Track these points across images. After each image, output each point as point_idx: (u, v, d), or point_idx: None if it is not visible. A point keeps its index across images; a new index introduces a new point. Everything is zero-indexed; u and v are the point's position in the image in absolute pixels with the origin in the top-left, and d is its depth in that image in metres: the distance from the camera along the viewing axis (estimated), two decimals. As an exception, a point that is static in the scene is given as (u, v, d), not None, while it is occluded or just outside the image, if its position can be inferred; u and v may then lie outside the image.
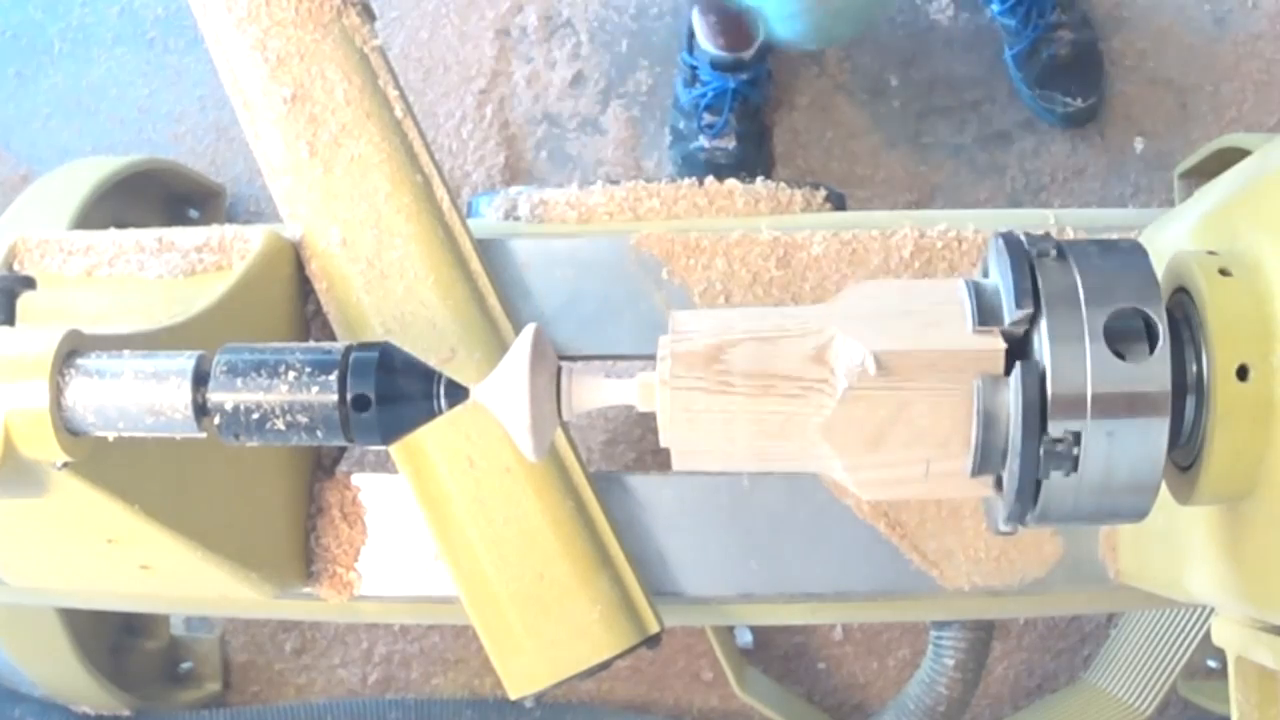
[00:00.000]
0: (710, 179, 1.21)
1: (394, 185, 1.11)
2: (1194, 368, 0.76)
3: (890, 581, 1.14)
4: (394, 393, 0.74)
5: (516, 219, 1.22)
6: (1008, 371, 0.72)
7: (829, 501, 1.14)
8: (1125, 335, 0.72)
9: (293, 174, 1.11)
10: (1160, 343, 0.72)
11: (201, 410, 0.74)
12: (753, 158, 1.69)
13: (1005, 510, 0.75)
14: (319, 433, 0.74)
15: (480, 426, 1.08)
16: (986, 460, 0.74)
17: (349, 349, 0.74)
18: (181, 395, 0.73)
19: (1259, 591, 0.78)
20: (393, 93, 1.13)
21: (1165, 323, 0.73)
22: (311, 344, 0.76)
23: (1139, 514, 0.76)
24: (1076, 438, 0.71)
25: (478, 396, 0.75)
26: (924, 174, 1.74)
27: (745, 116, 1.69)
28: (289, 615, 1.45)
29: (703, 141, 1.68)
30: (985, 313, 0.74)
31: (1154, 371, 0.72)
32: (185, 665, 1.63)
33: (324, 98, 1.10)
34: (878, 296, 0.77)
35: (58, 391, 0.75)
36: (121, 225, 1.19)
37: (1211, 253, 0.79)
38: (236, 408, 0.73)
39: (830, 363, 0.73)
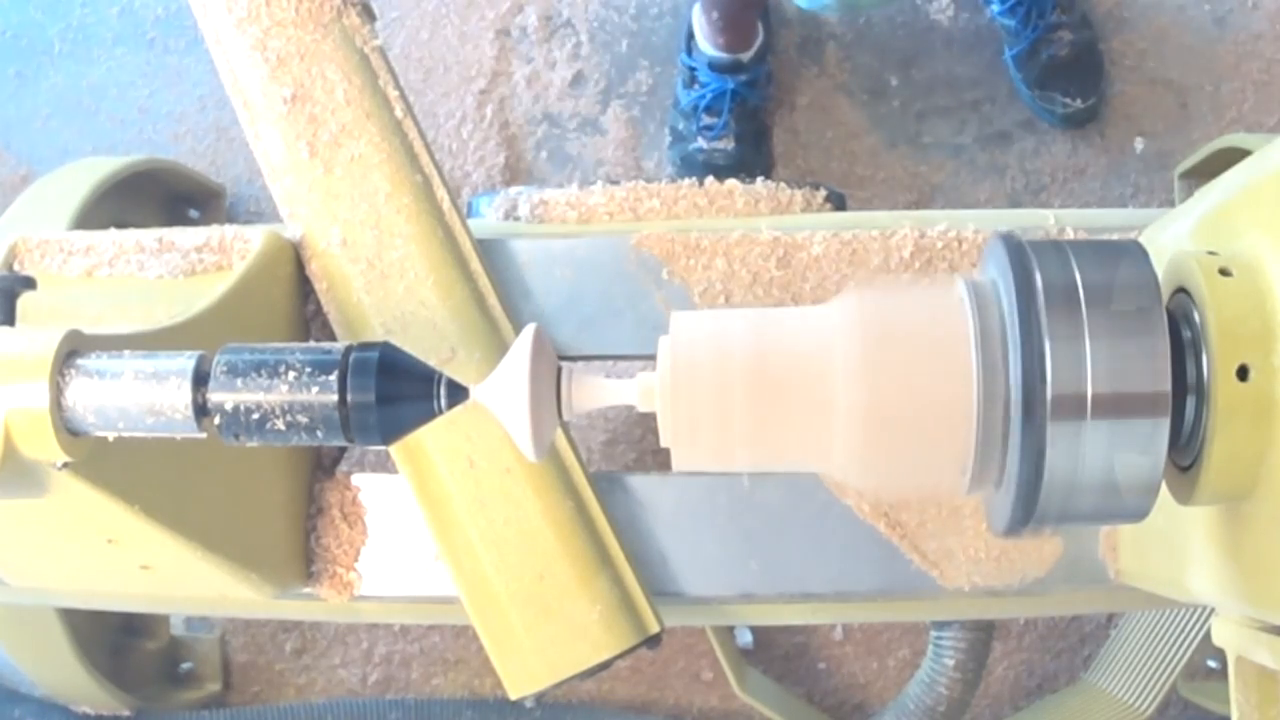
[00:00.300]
0: (710, 179, 1.21)
1: (394, 185, 1.11)
2: (1194, 368, 0.76)
3: (890, 581, 1.14)
4: (394, 393, 0.74)
5: (516, 219, 1.22)
6: (1008, 372, 0.72)
7: (829, 501, 1.14)
8: (1125, 335, 0.72)
9: (293, 174, 1.11)
10: (1160, 343, 0.72)
11: (202, 410, 0.74)
12: (751, 159, 1.69)
13: (1006, 510, 0.75)
14: (319, 433, 0.74)
15: (480, 427, 1.08)
16: (987, 461, 0.74)
17: (349, 349, 0.74)
18: (181, 395, 0.73)
19: (1259, 591, 0.78)
20: (393, 93, 1.13)
21: (1165, 323, 0.73)
22: (311, 344, 0.76)
23: (1139, 514, 0.76)
24: (1077, 438, 0.71)
25: (478, 397, 0.75)
26: (924, 174, 1.74)
27: (744, 118, 1.69)
28: (289, 615, 1.45)
29: (701, 143, 1.69)
30: (985, 313, 0.74)
31: (1154, 371, 0.72)
32: (185, 665, 1.63)
33: (324, 98, 1.10)
34: (878, 296, 0.77)
35: (58, 392, 0.75)
36: (121, 225, 1.19)
37: (1211, 253, 0.79)
38: (236, 408, 0.73)
39: (830, 363, 0.73)
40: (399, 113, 1.13)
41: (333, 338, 1.14)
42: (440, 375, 0.75)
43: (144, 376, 0.74)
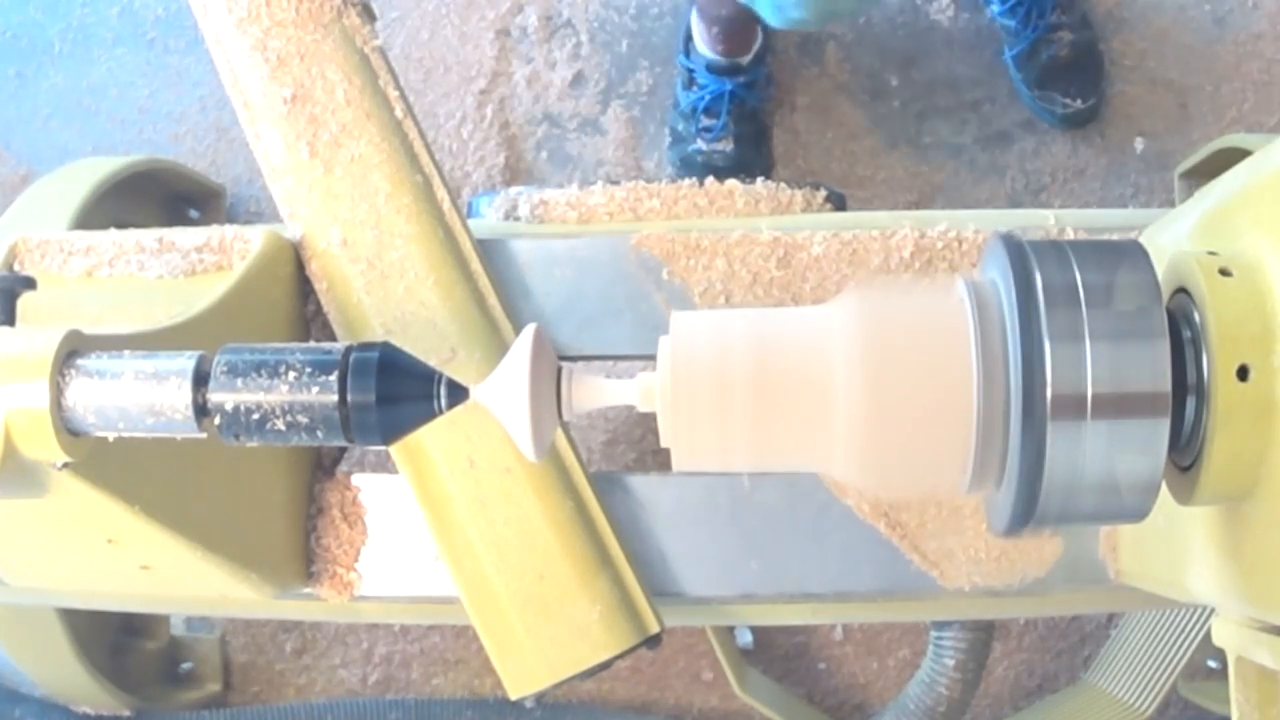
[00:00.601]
0: (710, 179, 1.21)
1: (394, 185, 1.11)
2: (1194, 368, 0.76)
3: (890, 582, 1.14)
4: (394, 393, 0.74)
5: (517, 219, 1.22)
6: (1008, 372, 0.72)
7: (829, 501, 1.14)
8: (1125, 335, 0.72)
9: (293, 174, 1.11)
10: (1160, 343, 0.72)
11: (202, 411, 0.74)
12: (751, 159, 1.69)
13: (1006, 510, 0.75)
14: (319, 433, 0.74)
15: (480, 427, 1.08)
16: (987, 461, 0.74)
17: (349, 349, 0.74)
18: (182, 396, 0.73)
19: (1259, 592, 0.78)
20: (393, 93, 1.13)
21: (1165, 323, 0.73)
22: (312, 344, 0.76)
23: (1139, 514, 0.76)
24: (1077, 438, 0.71)
25: (478, 397, 0.75)
26: (924, 174, 1.74)
27: (743, 119, 1.69)
28: (289, 615, 1.45)
29: (700, 144, 1.69)
30: (985, 313, 0.74)
31: (1154, 371, 0.72)
32: (185, 665, 1.63)
33: (324, 98, 1.10)
34: (878, 296, 0.77)
35: (58, 392, 0.75)
36: (122, 225, 1.19)
37: (1212, 253, 0.79)
38: (237, 408, 0.73)
39: (830, 363, 0.73)
40: (399, 113, 1.13)
41: (333, 338, 1.14)
42: (440, 375, 0.75)
43: (144, 376, 0.74)
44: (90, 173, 1.45)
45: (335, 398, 0.73)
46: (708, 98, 1.67)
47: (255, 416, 0.73)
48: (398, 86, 1.14)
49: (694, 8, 1.65)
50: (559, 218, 1.21)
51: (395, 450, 1.10)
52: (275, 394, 0.73)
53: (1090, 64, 1.70)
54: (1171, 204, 1.56)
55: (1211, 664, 1.47)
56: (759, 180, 1.23)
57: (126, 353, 0.76)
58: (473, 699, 1.61)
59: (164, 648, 1.60)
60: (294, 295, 1.14)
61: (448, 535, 1.11)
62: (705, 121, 1.68)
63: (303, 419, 0.73)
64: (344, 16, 1.11)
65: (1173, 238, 0.92)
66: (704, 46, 1.66)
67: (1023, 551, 1.13)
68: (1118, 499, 0.74)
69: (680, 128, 1.71)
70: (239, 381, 0.73)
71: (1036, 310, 0.72)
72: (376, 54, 1.13)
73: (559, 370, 0.75)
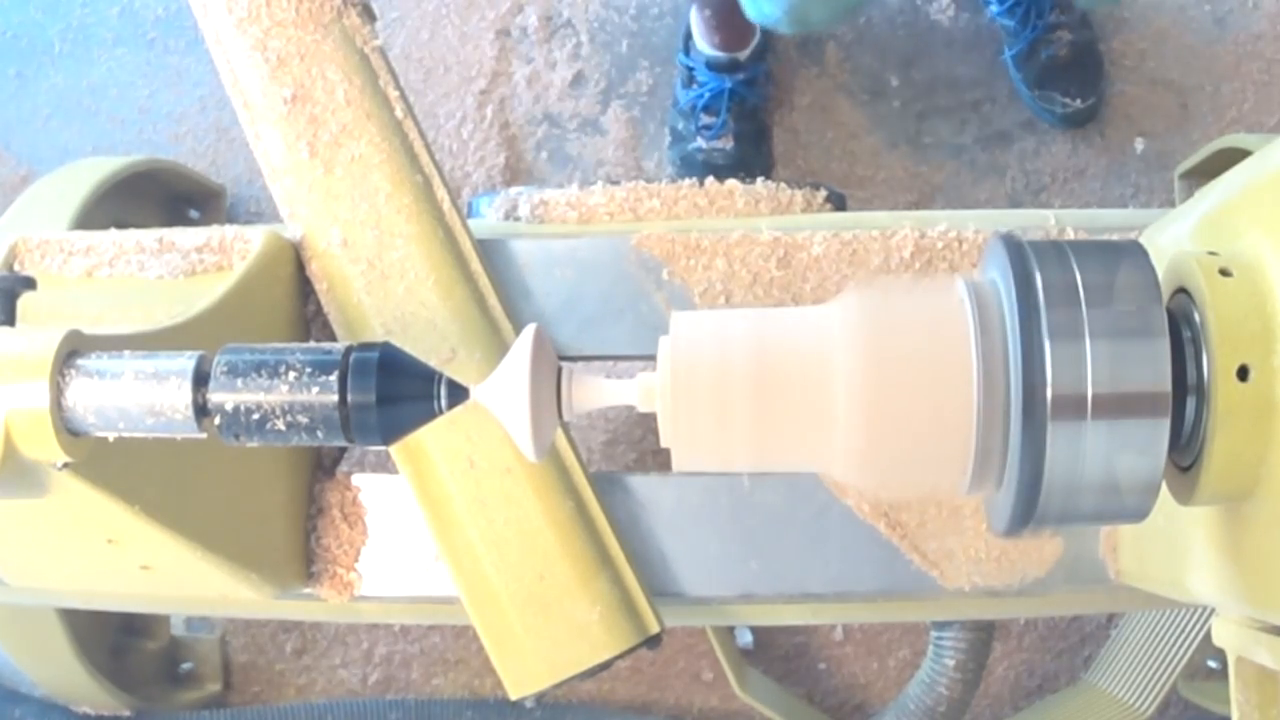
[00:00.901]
0: (711, 179, 1.21)
1: (394, 186, 1.11)
2: (1194, 368, 0.76)
3: (890, 582, 1.14)
4: (394, 393, 0.74)
5: (517, 219, 1.22)
6: (1008, 372, 0.72)
7: (829, 501, 1.14)
8: (1125, 335, 0.72)
9: (293, 174, 1.11)
10: (1160, 343, 0.72)
11: (202, 411, 0.74)
12: (751, 158, 1.69)
13: (1006, 510, 0.75)
14: (319, 433, 0.74)
15: (480, 427, 1.08)
16: (987, 461, 0.74)
17: (349, 349, 0.74)
18: (182, 396, 0.73)
19: (1259, 592, 0.78)
20: (393, 93, 1.13)
21: (1165, 323, 0.73)
22: (312, 344, 0.76)
23: (1139, 514, 0.76)
24: (1077, 438, 0.71)
25: (478, 397, 0.75)
26: (924, 174, 1.74)
27: (743, 117, 1.69)
28: (289, 615, 1.45)
29: (700, 142, 1.69)
30: (985, 313, 0.74)
31: (1154, 372, 0.72)
32: (185, 666, 1.63)
33: (324, 98, 1.10)
34: (878, 296, 0.77)
35: (58, 392, 0.75)
36: (122, 226, 1.19)
37: (1212, 253, 0.79)
38: (237, 408, 0.73)
39: (831, 363, 0.73)
40: (399, 113, 1.13)
41: (333, 338, 1.14)
42: (440, 375, 0.75)
43: (144, 377, 0.74)
44: (90, 173, 1.45)
45: (335, 398, 0.73)
46: (707, 95, 1.67)
47: (255, 416, 0.73)
48: (398, 86, 1.14)
49: (693, 2, 1.65)
50: (559, 218, 1.21)
51: (395, 450, 1.10)
52: (275, 394, 0.73)
53: (1090, 64, 1.70)
54: (1171, 204, 1.56)
55: (1211, 664, 1.47)
56: (759, 180, 1.23)
57: (126, 353, 0.76)
58: (473, 699, 1.61)
59: (164, 648, 1.60)
60: (294, 295, 1.14)
61: (448, 535, 1.11)
62: (705, 119, 1.68)
63: (303, 419, 0.73)
64: (344, 16, 1.11)
65: (1173, 238, 0.92)
66: (702, 40, 1.66)
67: (1023, 552, 1.13)
68: (1118, 499, 0.74)
69: (680, 126, 1.71)
70: (239, 381, 0.73)
71: (1036, 310, 0.72)
72: (376, 54, 1.13)
73: (559, 370, 0.75)
